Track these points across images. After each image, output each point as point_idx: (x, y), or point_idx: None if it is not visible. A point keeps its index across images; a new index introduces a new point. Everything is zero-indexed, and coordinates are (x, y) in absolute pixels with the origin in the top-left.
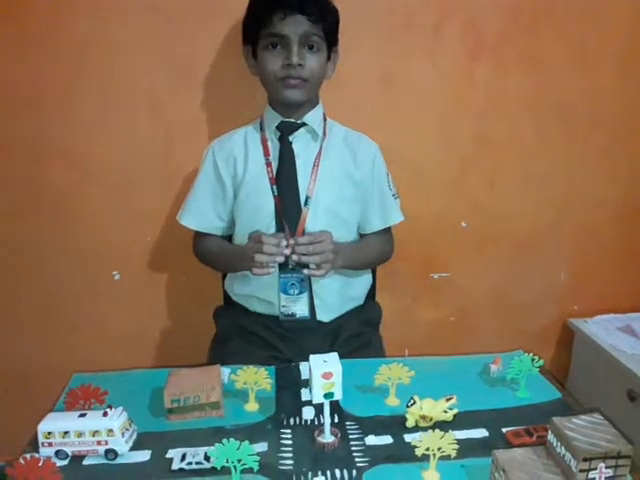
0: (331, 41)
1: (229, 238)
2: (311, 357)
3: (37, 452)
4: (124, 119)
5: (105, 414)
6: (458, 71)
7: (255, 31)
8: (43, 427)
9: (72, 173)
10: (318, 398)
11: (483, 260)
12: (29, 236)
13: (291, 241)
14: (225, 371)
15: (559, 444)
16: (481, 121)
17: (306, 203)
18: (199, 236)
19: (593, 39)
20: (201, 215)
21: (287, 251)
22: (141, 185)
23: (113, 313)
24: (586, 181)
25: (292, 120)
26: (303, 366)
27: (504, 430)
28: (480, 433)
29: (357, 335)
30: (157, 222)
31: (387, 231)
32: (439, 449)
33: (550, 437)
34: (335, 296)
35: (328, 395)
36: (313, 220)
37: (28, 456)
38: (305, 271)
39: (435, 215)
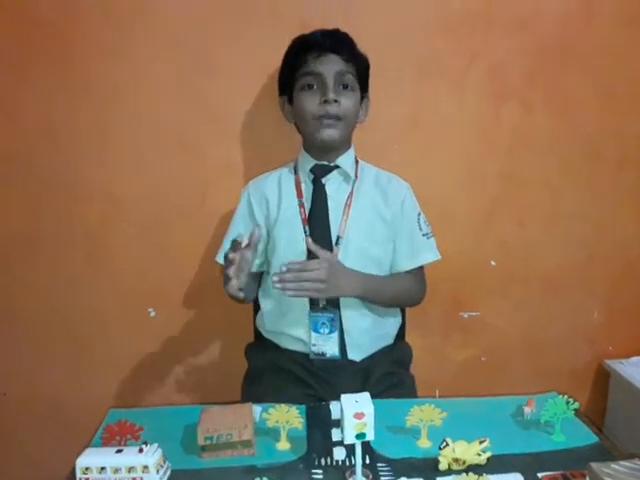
0: (363, 84)
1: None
2: (343, 397)
3: None
4: (159, 160)
5: (141, 451)
6: (485, 112)
7: (291, 74)
8: (81, 462)
9: (109, 212)
10: (350, 439)
11: (513, 299)
12: (66, 271)
13: (282, 268)
14: (257, 409)
15: None
16: (508, 160)
17: (337, 242)
18: None
19: (619, 77)
20: None
21: (275, 278)
22: (177, 225)
23: (148, 349)
24: (616, 219)
25: (325, 163)
26: (334, 405)
27: (540, 475)
28: (515, 478)
29: (389, 374)
30: (192, 261)
31: (418, 271)
32: None
33: None
34: (365, 335)
35: (360, 436)
36: (344, 259)
37: None
38: (289, 293)
39: (464, 254)
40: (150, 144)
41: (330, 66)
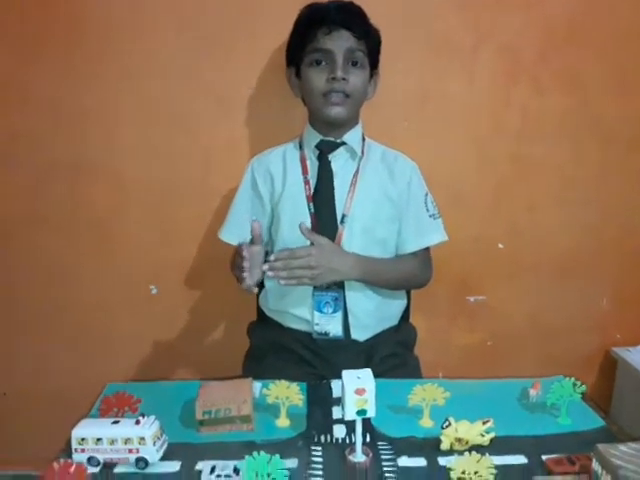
0: (373, 61)
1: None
2: (344, 372)
3: (70, 458)
4: (162, 138)
5: (137, 422)
6: (495, 91)
7: (300, 48)
8: (77, 433)
9: (111, 191)
10: (351, 414)
11: (521, 284)
12: (70, 249)
13: (272, 257)
14: (257, 385)
15: (604, 472)
16: (518, 142)
17: (342, 221)
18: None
19: (631, 58)
20: (240, 230)
21: (265, 266)
22: (180, 203)
23: (148, 326)
24: (627, 204)
25: (332, 139)
26: (335, 384)
27: (544, 457)
28: (518, 460)
29: (392, 355)
30: (195, 239)
31: (424, 253)
32: (476, 473)
33: (595, 465)
34: (370, 315)
35: (361, 412)
36: (349, 238)
37: (62, 461)
38: (282, 282)
39: (472, 237)
40: (153, 122)
41: (340, 43)
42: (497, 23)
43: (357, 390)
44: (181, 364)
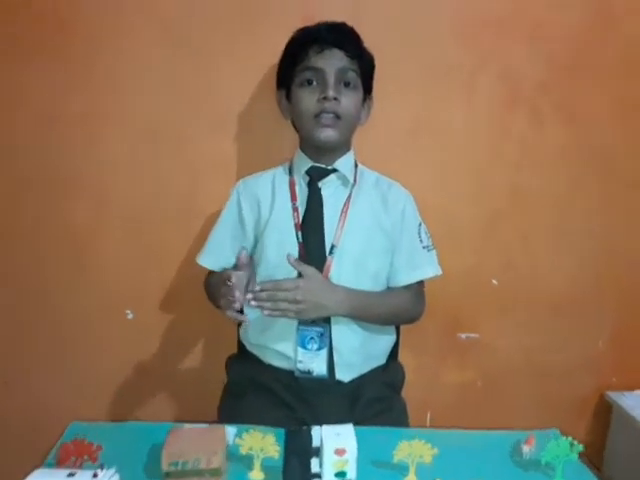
0: (366, 84)
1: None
2: (324, 428)
3: None
4: (149, 156)
5: (95, 475)
6: (493, 120)
7: (290, 68)
8: None
9: (91, 207)
10: (329, 476)
11: (514, 321)
12: (45, 269)
13: (256, 287)
14: (231, 431)
15: None
16: (516, 172)
17: (331, 252)
18: (210, 273)
19: (633, 89)
20: (218, 255)
21: (249, 296)
22: (161, 223)
23: (123, 352)
24: (627, 239)
25: (323, 165)
26: (315, 431)
27: None
28: None
29: (378, 399)
30: (175, 262)
31: (416, 286)
32: None
33: None
34: (356, 353)
35: (340, 474)
36: (338, 270)
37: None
38: (265, 312)
39: (464, 270)
40: (139, 138)
41: (332, 62)
42: (497, 50)
43: (337, 450)
44: (156, 396)
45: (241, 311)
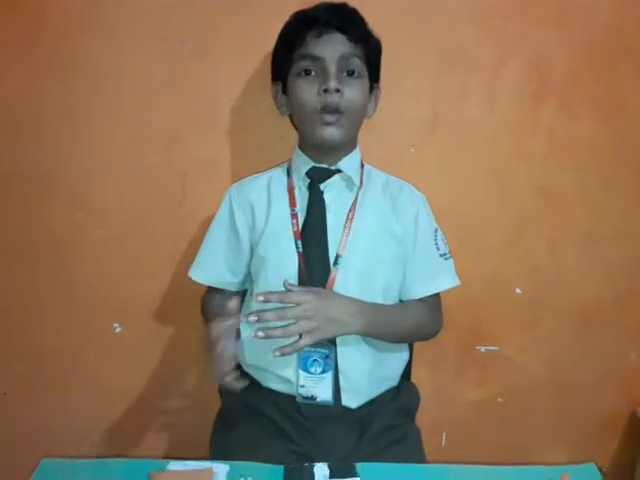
0: (373, 72)
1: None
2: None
3: None
4: (136, 157)
5: None
6: (519, 115)
7: (287, 56)
8: None
9: (75, 214)
10: None
11: (538, 333)
12: (25, 280)
13: (259, 297)
14: (222, 469)
15: None
16: (544, 172)
17: (336, 263)
18: (209, 289)
19: None
20: (212, 269)
21: (252, 317)
22: (151, 230)
23: (110, 369)
24: None
25: (325, 166)
26: (319, 468)
27: None
28: None
29: (390, 428)
30: (166, 271)
31: (434, 298)
32: None
33: None
34: (365, 377)
35: None
36: (343, 283)
37: None
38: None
39: (485, 279)
40: (126, 139)
41: (333, 48)
42: (523, 37)
43: None
44: (142, 411)
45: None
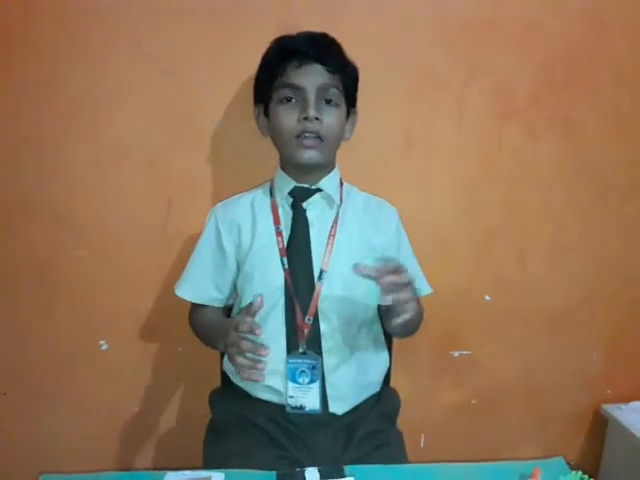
0: (350, 98)
1: (230, 309)
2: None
3: None
4: (119, 176)
5: None
6: (485, 133)
7: (268, 84)
8: None
9: (58, 233)
10: None
11: (508, 338)
12: (9, 299)
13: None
14: (218, 478)
15: None
16: (509, 187)
17: (320, 277)
18: (195, 306)
19: (629, 103)
20: (198, 286)
21: (258, 331)
22: (136, 248)
23: (97, 387)
24: (622, 254)
25: (306, 185)
26: (310, 473)
27: None
28: None
29: (374, 432)
30: (152, 288)
31: None
32: None
33: None
34: (350, 384)
35: None
36: (328, 296)
37: None
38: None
39: (457, 287)
40: (106, 156)
41: (312, 78)
42: (489, 61)
43: None
44: (132, 429)
45: None
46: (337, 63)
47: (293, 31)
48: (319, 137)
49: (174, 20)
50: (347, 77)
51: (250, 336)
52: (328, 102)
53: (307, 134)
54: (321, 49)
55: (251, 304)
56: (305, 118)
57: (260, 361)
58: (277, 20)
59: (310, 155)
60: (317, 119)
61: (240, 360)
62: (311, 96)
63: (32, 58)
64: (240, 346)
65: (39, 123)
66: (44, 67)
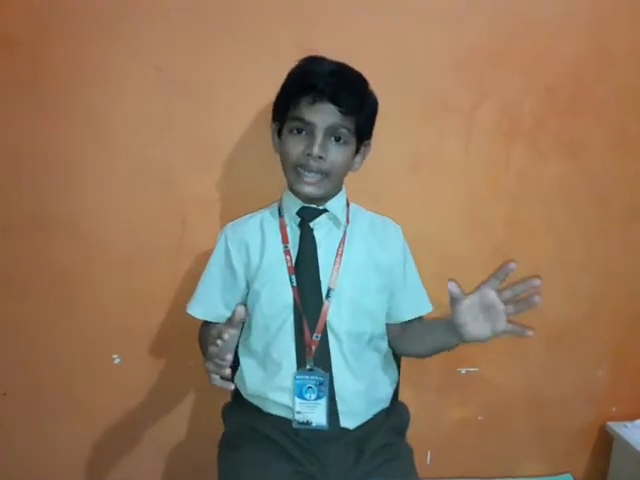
0: (363, 134)
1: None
2: None
3: None
4: (136, 193)
5: None
6: (492, 154)
7: (283, 111)
8: None
9: (75, 249)
10: None
11: (514, 354)
12: (25, 314)
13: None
14: None
15: None
16: (515, 206)
17: (328, 295)
18: (205, 323)
19: (632, 122)
20: (208, 305)
21: (226, 336)
22: (150, 264)
23: (110, 400)
24: (626, 270)
25: (313, 206)
26: None
27: None
28: None
29: (384, 446)
30: (164, 304)
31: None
32: None
33: None
34: (361, 399)
35: None
36: (336, 314)
37: None
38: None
39: None
40: (124, 176)
41: (323, 117)
42: (496, 84)
43: None
44: (144, 441)
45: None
46: (351, 104)
47: (313, 52)
48: (321, 172)
49: (193, 44)
50: (362, 116)
51: (219, 341)
52: (337, 139)
53: (307, 172)
54: (337, 88)
55: (234, 315)
56: (309, 154)
57: (224, 367)
58: (296, 43)
59: (309, 190)
60: (321, 157)
61: (207, 364)
62: (319, 134)
63: (56, 80)
64: (208, 351)
65: (58, 142)
66: (66, 89)
